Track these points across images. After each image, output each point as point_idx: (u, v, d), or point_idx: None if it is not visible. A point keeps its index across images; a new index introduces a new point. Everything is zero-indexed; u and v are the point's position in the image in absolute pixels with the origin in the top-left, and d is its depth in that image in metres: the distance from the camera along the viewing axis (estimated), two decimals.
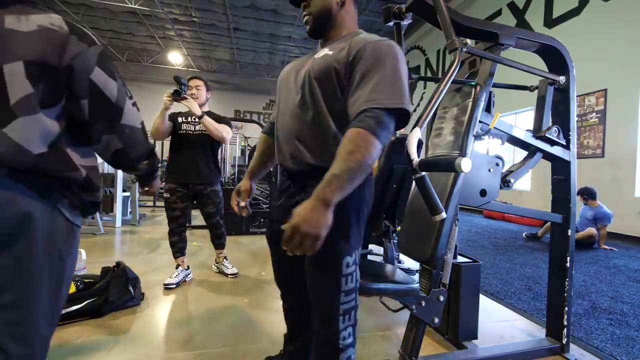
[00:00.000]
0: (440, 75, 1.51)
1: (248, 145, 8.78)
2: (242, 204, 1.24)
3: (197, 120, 2.42)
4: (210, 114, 2.52)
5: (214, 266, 2.83)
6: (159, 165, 1.10)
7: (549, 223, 4.37)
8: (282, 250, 0.83)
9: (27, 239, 0.74)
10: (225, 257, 2.77)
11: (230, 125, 2.57)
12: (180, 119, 2.49)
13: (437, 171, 1.25)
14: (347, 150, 0.82)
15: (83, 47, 0.80)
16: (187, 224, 2.65)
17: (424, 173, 1.04)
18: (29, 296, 0.75)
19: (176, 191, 2.44)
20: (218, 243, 2.70)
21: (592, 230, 4.31)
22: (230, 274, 2.67)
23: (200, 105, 2.46)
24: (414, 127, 1.11)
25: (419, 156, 1.07)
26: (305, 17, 1.07)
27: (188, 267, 2.60)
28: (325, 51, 1.00)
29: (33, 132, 0.74)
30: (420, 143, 1.44)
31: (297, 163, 1.02)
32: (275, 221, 1.09)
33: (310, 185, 0.87)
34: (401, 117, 0.91)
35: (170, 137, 2.49)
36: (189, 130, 2.47)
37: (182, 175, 2.45)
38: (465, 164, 0.91)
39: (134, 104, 0.91)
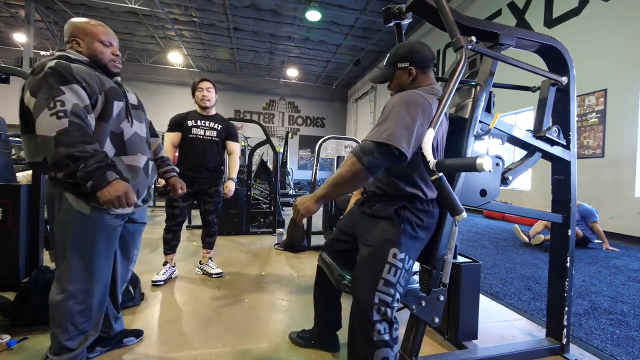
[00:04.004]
0: (440, 75, 1.51)
1: (248, 145, 8.76)
2: None
3: (206, 124, 2.57)
4: (217, 116, 2.68)
5: (197, 269, 2.75)
6: (82, 171, 1.07)
7: (537, 224, 4.38)
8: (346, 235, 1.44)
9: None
10: (210, 258, 2.74)
11: (237, 137, 2.78)
12: (189, 123, 2.54)
13: (457, 171, 1.25)
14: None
15: (28, 78, 1.15)
16: (188, 224, 2.66)
17: (441, 174, 1.03)
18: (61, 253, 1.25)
19: None
20: (209, 242, 2.69)
21: (576, 229, 4.30)
22: (215, 274, 2.62)
23: (211, 107, 2.60)
24: (428, 127, 1.11)
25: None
26: (391, 94, 1.36)
27: (175, 264, 2.62)
28: None
29: (25, 147, 1.22)
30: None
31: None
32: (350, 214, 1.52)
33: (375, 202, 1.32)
34: (387, 148, 1.09)
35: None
36: (199, 134, 2.55)
37: (190, 176, 2.46)
38: (487, 163, 0.90)
39: (55, 114, 1.07)
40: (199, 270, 2.73)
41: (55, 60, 1.16)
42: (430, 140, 1.06)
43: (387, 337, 1.10)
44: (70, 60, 1.22)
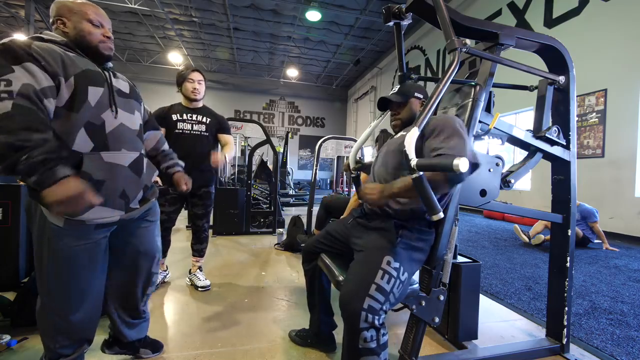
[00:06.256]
0: (440, 75, 1.51)
1: (248, 145, 8.77)
2: None
3: (193, 118, 2.31)
4: (205, 108, 2.42)
5: (187, 278, 2.51)
6: (23, 164, 0.87)
7: (537, 224, 4.38)
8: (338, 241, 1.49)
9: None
10: (199, 268, 2.48)
11: (229, 129, 2.49)
12: (174, 117, 2.27)
13: (435, 171, 1.26)
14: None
15: None
16: (187, 225, 2.63)
17: (421, 173, 1.04)
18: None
19: (167, 193, 2.25)
20: (198, 249, 2.45)
21: (577, 229, 4.29)
22: (201, 287, 2.36)
23: (200, 100, 2.36)
24: (412, 126, 1.12)
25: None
26: (394, 122, 1.50)
27: (167, 267, 2.55)
28: (402, 134, 1.43)
29: None
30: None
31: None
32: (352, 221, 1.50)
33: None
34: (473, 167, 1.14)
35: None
36: (186, 129, 2.28)
37: None
38: (463, 164, 0.92)
39: None
40: (188, 280, 2.49)
41: (11, 39, 0.99)
42: (414, 139, 1.08)
43: (373, 344, 1.07)
44: (43, 41, 1.07)
